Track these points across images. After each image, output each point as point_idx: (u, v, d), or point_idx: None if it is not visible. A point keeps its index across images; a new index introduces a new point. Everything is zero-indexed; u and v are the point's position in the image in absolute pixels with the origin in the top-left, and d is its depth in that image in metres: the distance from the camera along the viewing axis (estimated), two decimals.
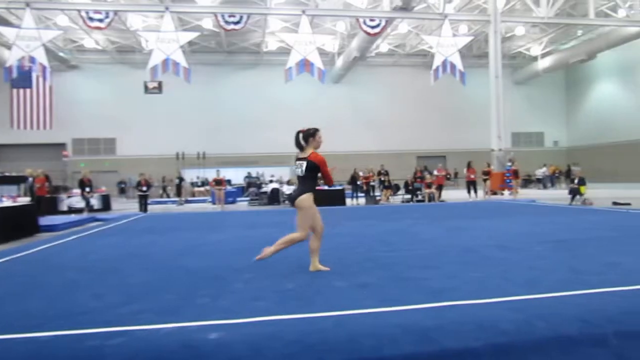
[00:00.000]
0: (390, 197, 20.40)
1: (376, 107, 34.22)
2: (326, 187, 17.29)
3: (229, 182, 25.29)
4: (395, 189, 21.40)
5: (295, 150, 5.20)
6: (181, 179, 23.30)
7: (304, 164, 5.01)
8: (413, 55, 33.85)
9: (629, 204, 13.52)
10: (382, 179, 20.75)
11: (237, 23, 20.26)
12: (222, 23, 20.31)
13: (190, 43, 28.28)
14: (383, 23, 21.55)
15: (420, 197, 19.73)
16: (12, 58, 19.05)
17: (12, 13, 22.09)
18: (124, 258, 6.60)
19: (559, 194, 21.62)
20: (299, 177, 5.16)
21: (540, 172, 30.73)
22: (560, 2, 23.05)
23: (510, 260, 5.52)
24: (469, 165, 20.04)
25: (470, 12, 26.03)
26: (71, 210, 18.05)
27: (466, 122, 33.88)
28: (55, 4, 20.98)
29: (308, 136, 5.10)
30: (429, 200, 18.99)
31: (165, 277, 5.11)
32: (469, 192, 19.77)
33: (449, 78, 22.73)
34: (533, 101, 36.38)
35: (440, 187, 19.96)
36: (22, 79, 19.02)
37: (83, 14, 19.35)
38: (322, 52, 23.09)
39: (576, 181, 15.79)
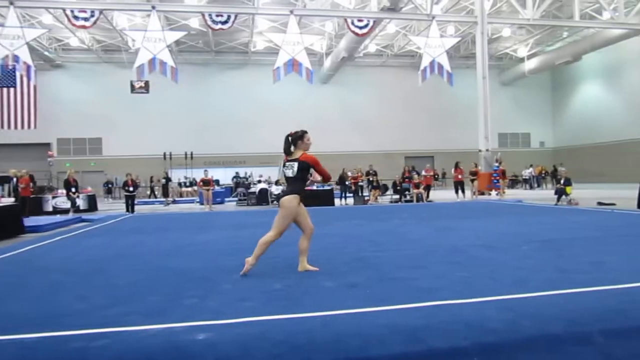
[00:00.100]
0: (378, 198, 20.44)
1: (364, 107, 34.31)
2: (315, 187, 17.29)
3: (217, 182, 25.18)
4: (383, 189, 21.45)
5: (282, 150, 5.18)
6: (168, 179, 23.14)
7: (295, 165, 4.99)
8: (401, 56, 34.01)
9: (613, 204, 13.68)
10: (371, 179, 20.79)
11: (224, 23, 20.16)
12: (209, 22, 20.20)
13: (177, 42, 28.18)
14: (371, 23, 21.59)
15: (408, 198, 19.80)
16: None
17: None
18: (110, 259, 6.53)
19: (545, 194, 21.83)
20: (288, 178, 5.14)
21: (527, 172, 31.02)
22: (546, 4, 23.27)
23: (498, 260, 5.55)
24: (456, 166, 20.17)
25: (457, 14, 26.18)
26: (56, 211, 17.85)
27: (454, 123, 34.10)
28: (39, 2, 20.70)
29: (296, 139, 5.07)
30: (417, 201, 19.07)
31: (152, 278, 5.06)
32: (456, 192, 19.89)
33: (437, 79, 22.84)
34: (519, 102, 36.73)
35: (428, 188, 20.06)
36: (6, 78, 18.74)
37: (68, 12, 19.11)
38: (310, 53, 23.07)
39: (562, 181, 15.93)
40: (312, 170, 5.10)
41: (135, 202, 18.27)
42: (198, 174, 23.33)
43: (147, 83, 24.61)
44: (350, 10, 23.19)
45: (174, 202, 24.12)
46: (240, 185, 24.81)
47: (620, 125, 30.67)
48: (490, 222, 9.92)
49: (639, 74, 29.61)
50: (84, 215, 15.46)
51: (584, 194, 18.42)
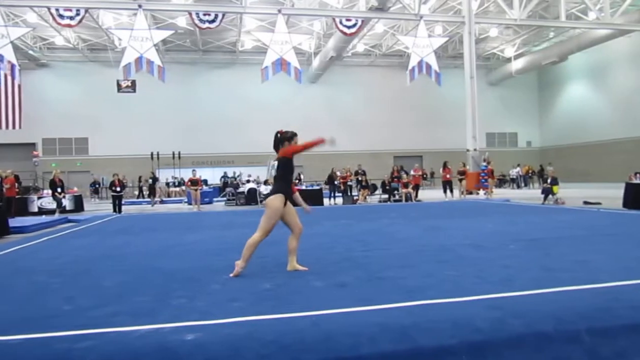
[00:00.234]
0: (367, 197, 20.48)
1: (353, 107, 34.36)
2: (304, 187, 17.29)
3: (205, 182, 25.06)
4: (372, 188, 21.50)
5: (271, 149, 5.18)
6: (155, 179, 22.96)
7: (276, 163, 5.04)
8: (389, 56, 34.13)
9: (599, 204, 13.83)
10: (360, 178, 20.82)
11: (212, 22, 20.09)
12: (196, 21, 20.12)
13: (164, 41, 28.00)
14: (359, 23, 21.64)
15: (397, 197, 19.85)
16: None
17: None
18: (97, 260, 6.47)
19: (532, 193, 22.02)
20: (274, 178, 5.17)
21: (514, 172, 31.28)
22: (533, 4, 23.49)
23: (485, 258, 5.58)
24: (444, 165, 20.26)
25: (445, 14, 26.34)
26: (42, 212, 17.66)
27: (442, 122, 34.29)
28: (24, 1, 20.48)
29: (285, 140, 5.05)
30: (406, 200, 19.13)
31: (140, 279, 5.02)
32: (445, 191, 19.98)
33: (425, 78, 22.96)
34: (507, 102, 37.02)
35: (416, 187, 20.13)
36: None
37: (53, 11, 18.93)
38: (298, 52, 23.09)
39: (549, 181, 16.08)
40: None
41: (123, 202, 18.13)
42: (186, 174, 23.21)
43: (133, 82, 24.46)
44: (339, 9, 23.23)
45: (162, 202, 23.97)
46: (228, 185, 24.72)
47: (605, 125, 31.04)
48: (478, 222, 9.98)
49: (625, 74, 29.99)
50: (70, 216, 15.32)
51: (570, 193, 18.61)
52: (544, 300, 3.64)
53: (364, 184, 20.70)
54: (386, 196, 20.33)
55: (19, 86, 19.37)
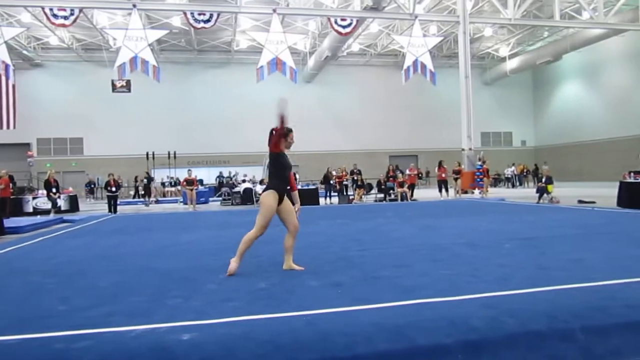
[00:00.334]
0: (363, 196, 20.51)
1: (348, 106, 34.33)
2: (300, 187, 17.24)
3: (200, 182, 25.02)
4: (368, 188, 21.52)
5: (266, 149, 5.17)
6: (149, 179, 22.90)
7: (268, 160, 5.04)
8: (384, 55, 34.13)
9: (593, 203, 13.88)
10: (355, 178, 20.85)
11: (207, 21, 20.03)
12: (191, 21, 20.06)
13: (159, 41, 27.91)
14: (354, 23, 21.64)
15: (392, 196, 19.89)
16: None
17: None
18: (92, 260, 6.45)
19: (527, 192, 22.10)
20: (268, 175, 5.19)
21: (509, 171, 31.38)
22: (527, 3, 23.54)
23: (480, 257, 5.60)
24: (440, 165, 20.32)
25: (439, 13, 26.36)
26: (37, 212, 17.60)
27: (437, 122, 34.32)
28: (17, 0, 20.36)
29: (279, 136, 5.03)
30: (401, 199, 19.17)
31: (136, 279, 5.01)
32: (440, 191, 20.03)
33: (420, 78, 22.98)
34: (501, 101, 37.10)
35: (412, 186, 20.17)
36: None
37: (47, 10, 18.82)
38: (293, 52, 23.05)
39: (544, 180, 16.14)
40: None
41: (118, 202, 18.08)
42: (181, 174, 23.15)
43: (128, 82, 24.37)
44: (334, 9, 23.21)
45: (157, 202, 23.92)
46: (224, 184, 24.69)
47: (599, 124, 31.14)
48: (473, 221, 10.01)
49: (618, 74, 30.10)
50: (66, 216, 15.28)
51: (564, 192, 18.69)
52: (539, 299, 3.65)
53: (359, 183, 20.73)
54: (382, 195, 20.36)
55: (13, 86, 19.29)
